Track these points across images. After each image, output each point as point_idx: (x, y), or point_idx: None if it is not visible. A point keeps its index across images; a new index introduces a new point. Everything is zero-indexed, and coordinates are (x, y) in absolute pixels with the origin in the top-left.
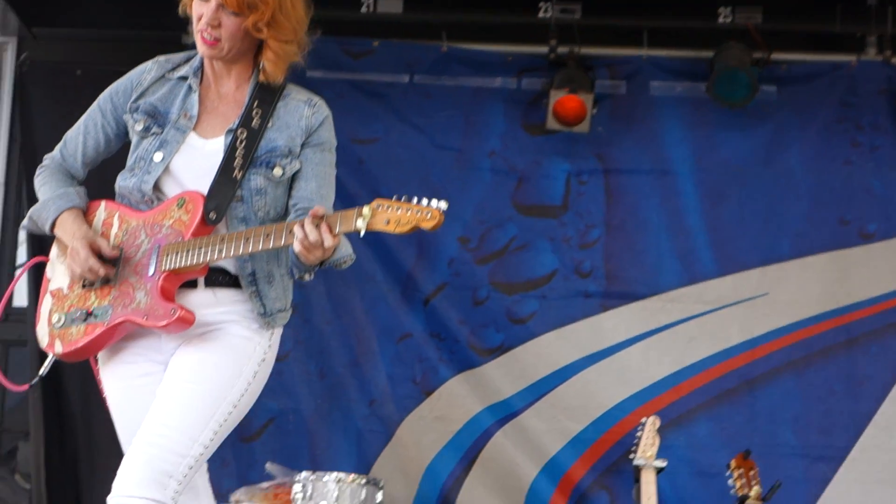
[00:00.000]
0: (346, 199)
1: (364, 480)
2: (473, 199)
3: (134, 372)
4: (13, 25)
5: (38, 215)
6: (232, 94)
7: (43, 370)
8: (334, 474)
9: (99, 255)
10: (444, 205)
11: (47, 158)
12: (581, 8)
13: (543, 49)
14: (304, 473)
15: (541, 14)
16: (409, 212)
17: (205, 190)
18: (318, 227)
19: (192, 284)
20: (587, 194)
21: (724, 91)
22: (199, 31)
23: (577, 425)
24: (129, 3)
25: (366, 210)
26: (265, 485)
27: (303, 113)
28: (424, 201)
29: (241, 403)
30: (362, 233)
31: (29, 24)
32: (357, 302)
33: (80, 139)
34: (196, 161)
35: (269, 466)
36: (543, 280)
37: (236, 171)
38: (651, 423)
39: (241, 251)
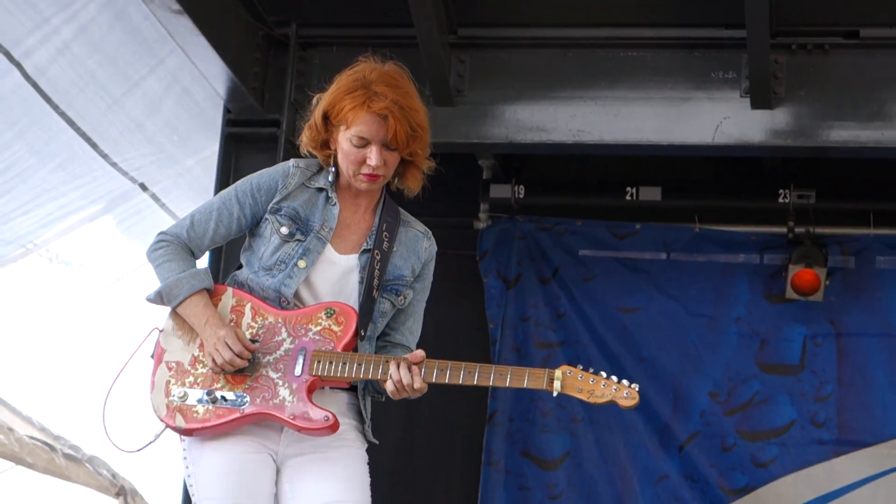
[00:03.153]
0: (611, 360)
1: None
2: (722, 359)
3: (247, 447)
4: None
5: (168, 291)
6: (362, 213)
7: (155, 437)
8: None
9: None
10: (637, 386)
11: (168, 234)
12: (816, 194)
13: (783, 229)
14: None
15: (780, 199)
16: (605, 386)
17: (342, 303)
18: (410, 370)
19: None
20: (821, 355)
21: None
22: (363, 174)
23: None
24: None
25: (557, 373)
26: None
27: (423, 245)
28: (615, 378)
29: None
30: (555, 394)
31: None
32: (621, 448)
33: (212, 224)
34: (331, 274)
35: None
36: (783, 429)
37: (374, 292)
38: None
39: (378, 375)
